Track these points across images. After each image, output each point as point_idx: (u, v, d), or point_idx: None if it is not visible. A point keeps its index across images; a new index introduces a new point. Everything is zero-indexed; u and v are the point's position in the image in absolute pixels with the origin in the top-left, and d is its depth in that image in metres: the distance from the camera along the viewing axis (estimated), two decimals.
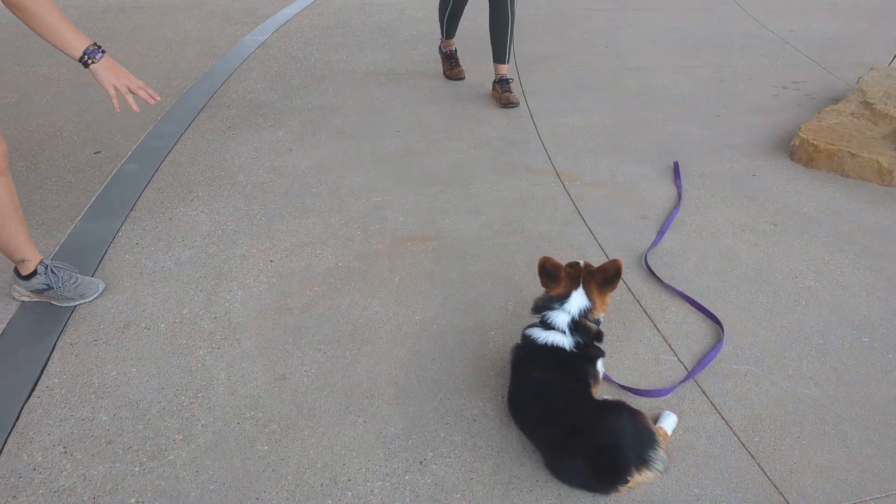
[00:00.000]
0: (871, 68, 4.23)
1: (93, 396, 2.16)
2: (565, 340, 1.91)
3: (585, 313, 1.95)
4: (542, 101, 4.41)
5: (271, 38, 5.90)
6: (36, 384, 2.21)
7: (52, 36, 2.10)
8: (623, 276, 2.65)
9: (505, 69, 4.40)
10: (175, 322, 2.48)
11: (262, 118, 4.12)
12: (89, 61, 2.16)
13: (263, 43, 5.77)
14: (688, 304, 2.50)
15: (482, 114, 4.24)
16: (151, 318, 2.50)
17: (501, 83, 4.37)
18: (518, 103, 4.31)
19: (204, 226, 3.06)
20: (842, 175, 3.35)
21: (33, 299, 2.57)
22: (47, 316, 2.52)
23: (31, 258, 2.50)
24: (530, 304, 2.06)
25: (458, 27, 4.85)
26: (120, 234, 2.97)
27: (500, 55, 4.37)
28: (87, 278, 2.63)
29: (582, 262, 2.05)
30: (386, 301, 2.58)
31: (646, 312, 2.48)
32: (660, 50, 5.35)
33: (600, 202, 3.22)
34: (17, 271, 2.52)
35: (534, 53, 5.36)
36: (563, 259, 2.05)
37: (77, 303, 2.56)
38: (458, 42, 4.95)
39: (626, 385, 2.12)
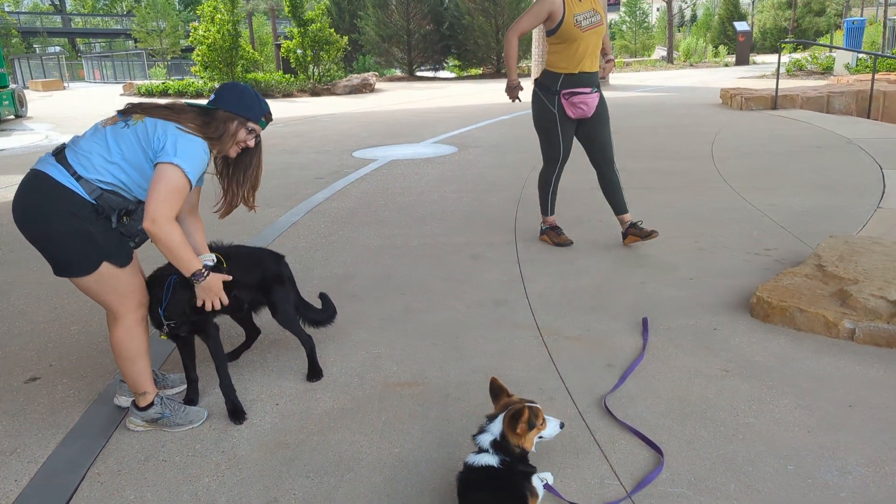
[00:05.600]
0: (830, 236, 4.67)
1: None
2: (492, 459, 2.25)
3: (504, 437, 2.29)
4: (535, 268, 4.91)
5: (303, 218, 6.66)
6: None
7: (172, 258, 2.77)
8: (567, 423, 3.00)
9: (629, 217, 5.28)
10: (188, 455, 2.87)
11: None
12: (196, 281, 2.83)
13: (295, 223, 6.51)
14: (637, 439, 2.81)
15: (481, 279, 4.75)
16: (168, 451, 2.90)
17: (633, 226, 5.23)
18: (657, 233, 5.10)
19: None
20: (794, 328, 3.70)
21: (147, 429, 3.03)
22: (81, 451, 2.93)
23: (152, 391, 3.01)
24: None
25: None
26: None
27: (620, 209, 5.31)
28: (193, 408, 3.13)
29: (533, 405, 2.39)
30: (371, 437, 2.94)
31: (598, 444, 2.80)
32: (648, 224, 5.87)
33: (573, 353, 3.60)
34: (134, 404, 3.01)
35: (533, 227, 5.94)
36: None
37: (186, 428, 3.02)
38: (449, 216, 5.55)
39: (570, 501, 2.41)
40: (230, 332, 3.89)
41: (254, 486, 2.66)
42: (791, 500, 2.43)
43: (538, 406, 2.37)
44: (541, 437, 2.44)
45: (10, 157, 11.52)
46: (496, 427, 2.33)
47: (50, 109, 22.07)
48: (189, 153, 2.68)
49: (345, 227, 6.23)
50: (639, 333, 3.79)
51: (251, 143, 2.97)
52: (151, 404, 3.01)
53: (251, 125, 2.92)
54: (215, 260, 3.06)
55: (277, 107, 18.79)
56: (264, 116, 2.98)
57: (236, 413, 3.09)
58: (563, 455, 2.74)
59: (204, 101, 2.97)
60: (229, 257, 3.25)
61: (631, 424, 2.90)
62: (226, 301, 2.96)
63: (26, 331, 4.16)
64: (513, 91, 5.15)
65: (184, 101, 3.03)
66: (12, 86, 18.82)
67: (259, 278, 3.40)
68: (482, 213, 6.60)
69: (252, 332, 3.77)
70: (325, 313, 3.68)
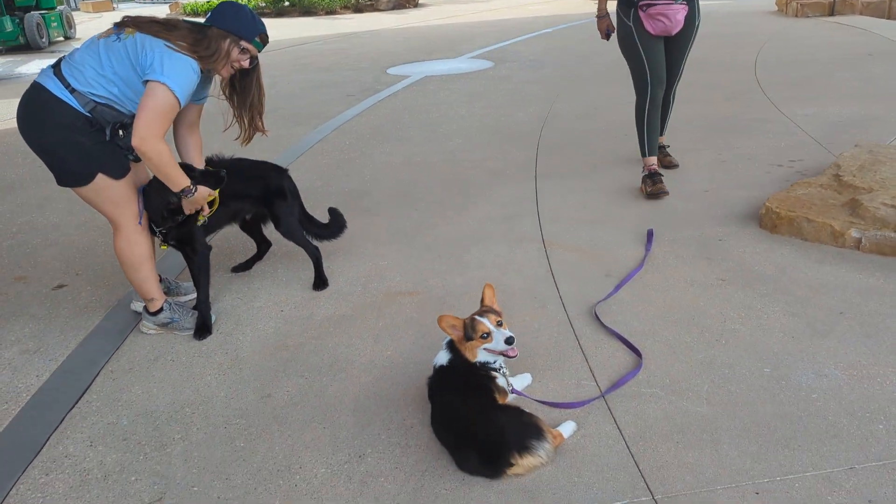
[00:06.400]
0: (856, 145, 4.52)
1: (120, 407, 2.72)
2: (444, 357, 2.40)
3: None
4: (551, 182, 4.90)
5: (329, 135, 6.72)
6: (80, 398, 2.80)
7: (160, 175, 2.85)
8: (555, 329, 3.04)
9: (662, 139, 5.01)
10: (194, 356, 3.05)
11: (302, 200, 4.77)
12: (185, 196, 2.94)
13: (322, 139, 6.58)
14: (621, 344, 2.86)
15: (495, 194, 4.77)
16: (177, 353, 3.08)
17: (660, 148, 4.97)
18: (677, 165, 5.00)
19: (234, 284, 3.67)
20: (801, 239, 3.64)
21: (160, 332, 3.23)
22: (98, 351, 3.14)
23: (159, 298, 3.19)
24: None
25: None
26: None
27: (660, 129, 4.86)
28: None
29: (488, 319, 2.42)
30: (367, 341, 3.07)
31: (581, 348, 2.87)
32: (677, 135, 5.75)
33: (573, 264, 3.64)
34: (146, 309, 3.20)
35: (556, 141, 5.89)
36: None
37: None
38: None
39: (540, 399, 2.50)
40: (247, 244, 4.02)
41: (251, 383, 2.82)
42: (761, 399, 2.47)
43: (482, 320, 2.39)
44: (504, 354, 2.46)
45: None
46: None
47: (98, 31, 22.31)
48: (176, 71, 2.72)
49: (369, 144, 6.27)
50: (642, 245, 3.79)
51: (245, 63, 2.96)
52: (161, 309, 3.18)
53: (244, 44, 2.92)
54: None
55: (319, 24, 18.65)
56: (259, 37, 2.95)
57: (203, 329, 3.19)
58: (547, 358, 2.82)
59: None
60: (232, 170, 3.34)
61: (616, 330, 2.95)
62: (206, 209, 3.08)
63: (58, 242, 4.38)
64: (601, 22, 4.58)
65: (180, 17, 3.05)
66: (60, 7, 19.00)
67: (262, 191, 3.48)
68: (508, 128, 6.54)
69: (263, 245, 3.90)
70: (330, 228, 3.76)
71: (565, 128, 6.39)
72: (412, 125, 6.89)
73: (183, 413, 2.66)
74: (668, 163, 5.00)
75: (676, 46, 4.45)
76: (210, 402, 2.72)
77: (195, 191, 2.92)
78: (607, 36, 4.60)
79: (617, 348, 2.86)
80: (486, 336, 2.37)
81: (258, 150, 3.38)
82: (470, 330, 2.37)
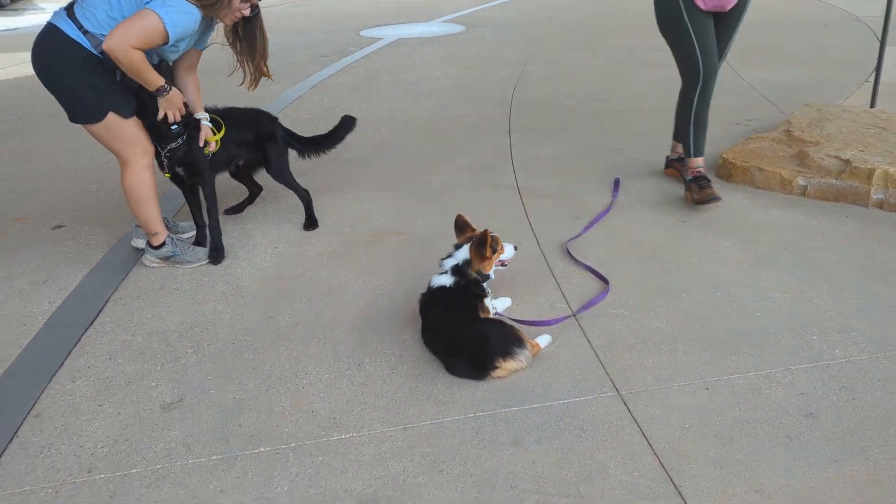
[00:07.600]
0: (806, 105, 4.87)
1: (133, 328, 2.96)
2: (447, 279, 2.66)
3: (466, 263, 2.68)
4: (524, 137, 5.18)
5: (307, 92, 6.90)
6: (93, 322, 3.02)
7: (137, 77, 2.98)
8: (530, 262, 3.37)
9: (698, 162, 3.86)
10: (197, 285, 3.29)
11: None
12: (160, 95, 3.08)
13: (300, 97, 6.75)
14: (589, 274, 3.17)
15: (472, 147, 5.03)
16: (180, 282, 3.32)
17: (695, 180, 3.82)
18: (719, 198, 3.69)
19: (228, 225, 3.89)
20: (753, 187, 3.99)
21: (162, 265, 3.44)
22: (105, 281, 3.36)
23: (162, 232, 3.39)
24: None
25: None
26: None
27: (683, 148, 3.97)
28: (201, 248, 3.54)
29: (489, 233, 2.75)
30: (358, 272, 3.34)
31: (555, 278, 3.18)
32: (641, 97, 6.09)
33: (546, 208, 3.94)
34: (149, 244, 3.41)
35: (528, 101, 6.16)
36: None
37: (195, 265, 3.43)
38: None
39: (519, 319, 2.80)
40: (237, 191, 4.23)
41: (254, 308, 3.08)
42: (712, 317, 2.81)
43: (496, 234, 2.72)
44: (501, 264, 2.80)
45: (23, 37, 11.67)
46: (461, 253, 2.70)
47: None
48: (176, 10, 2.87)
49: (346, 101, 6.47)
50: (610, 192, 4.10)
51: (246, 11, 3.14)
52: (163, 244, 3.40)
53: None
54: (208, 117, 3.37)
55: None
56: None
57: (216, 252, 3.46)
58: (524, 287, 3.12)
59: None
60: (224, 117, 3.56)
61: (586, 262, 3.26)
62: (183, 111, 3.21)
63: (50, 188, 4.54)
64: None
65: None
66: None
67: (254, 136, 3.70)
68: (481, 89, 6.79)
69: (254, 189, 4.12)
70: (334, 135, 4.08)
71: (536, 89, 6.66)
72: (388, 84, 7.09)
73: (193, 332, 2.91)
74: (705, 196, 3.69)
75: (727, 24, 3.77)
76: (217, 324, 2.97)
77: (170, 89, 3.07)
78: None
79: (586, 277, 3.17)
80: (501, 248, 2.73)
81: (238, 104, 3.62)
82: (494, 243, 2.69)
